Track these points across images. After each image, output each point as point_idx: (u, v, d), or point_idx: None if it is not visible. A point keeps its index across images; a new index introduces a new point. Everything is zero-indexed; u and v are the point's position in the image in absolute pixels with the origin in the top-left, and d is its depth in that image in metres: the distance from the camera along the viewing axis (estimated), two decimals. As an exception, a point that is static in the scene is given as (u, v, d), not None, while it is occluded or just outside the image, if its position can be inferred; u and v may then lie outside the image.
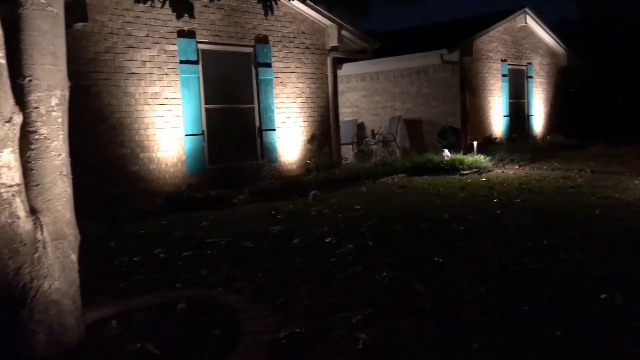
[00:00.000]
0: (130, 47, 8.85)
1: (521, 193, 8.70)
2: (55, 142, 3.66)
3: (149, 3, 6.20)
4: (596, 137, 16.30)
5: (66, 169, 3.72)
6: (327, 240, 6.06)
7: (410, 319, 3.82)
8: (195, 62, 9.67)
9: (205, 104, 9.89)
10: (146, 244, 6.30)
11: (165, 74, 9.28)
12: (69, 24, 8.00)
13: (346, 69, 16.26)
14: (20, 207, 3.36)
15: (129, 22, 8.81)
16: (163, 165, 9.28)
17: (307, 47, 11.49)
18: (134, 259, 5.69)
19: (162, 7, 5.58)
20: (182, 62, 9.47)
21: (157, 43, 9.16)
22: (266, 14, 6.43)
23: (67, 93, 3.82)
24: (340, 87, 16.94)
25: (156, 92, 9.18)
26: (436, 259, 5.19)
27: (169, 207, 8.09)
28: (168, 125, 9.34)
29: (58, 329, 3.44)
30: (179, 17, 6.10)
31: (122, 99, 8.77)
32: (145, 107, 9.06)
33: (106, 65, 8.58)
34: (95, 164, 8.45)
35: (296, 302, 4.24)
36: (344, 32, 11.79)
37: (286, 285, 4.70)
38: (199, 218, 7.54)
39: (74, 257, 3.66)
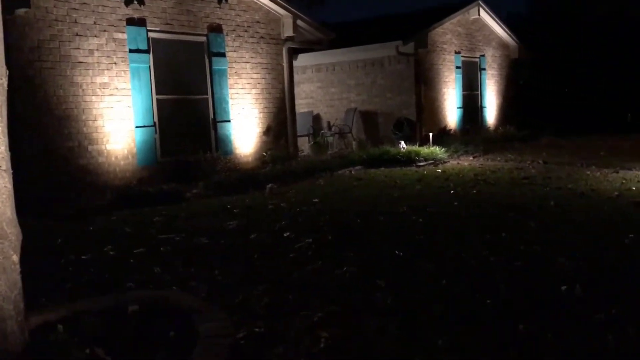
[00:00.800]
0: (77, 35, 8.45)
1: (477, 184, 8.75)
2: (-7, 135, 3.39)
3: None
4: (546, 128, 16.64)
5: (5, 164, 3.46)
6: (285, 235, 5.92)
7: (372, 317, 3.72)
8: (146, 51, 9.33)
9: (157, 94, 9.57)
10: (95, 241, 6.02)
11: (115, 63, 8.92)
12: (10, 9, 7.59)
13: (302, 60, 16.09)
14: (-45, 206, 3.10)
15: (75, 8, 8.41)
16: (113, 158, 8.94)
17: (262, 37, 11.26)
18: (82, 257, 5.42)
19: None
20: (131, 51, 9.11)
21: (105, 31, 8.78)
22: (220, 2, 6.19)
23: (5, 81, 3.55)
24: (296, 78, 16.69)
25: (105, 82, 8.81)
26: (396, 252, 5.12)
27: (119, 202, 7.78)
28: (118, 117, 8.99)
29: (-2, 337, 3.20)
30: (127, 3, 5.83)
31: (68, 90, 8.37)
32: (94, 98, 8.68)
33: (51, 54, 8.17)
34: (40, 157, 8.06)
35: (254, 301, 4.10)
36: (299, 22, 11.61)
37: (243, 283, 4.54)
38: (151, 214, 7.28)
39: (15, 257, 3.41)
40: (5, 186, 3.41)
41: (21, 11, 7.72)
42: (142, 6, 5.87)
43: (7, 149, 3.46)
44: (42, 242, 6.06)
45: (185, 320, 3.67)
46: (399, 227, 6.14)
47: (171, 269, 4.98)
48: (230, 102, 10.65)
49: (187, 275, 4.78)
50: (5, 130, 3.47)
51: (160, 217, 7.02)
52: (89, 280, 4.76)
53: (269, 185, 8.78)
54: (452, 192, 8.22)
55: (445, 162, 11.71)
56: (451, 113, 16.47)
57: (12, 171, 3.49)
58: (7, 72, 3.54)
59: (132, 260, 5.27)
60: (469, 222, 6.28)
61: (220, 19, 10.49)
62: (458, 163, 11.63)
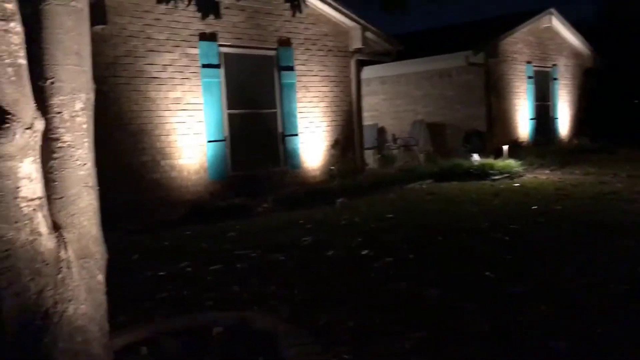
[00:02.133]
0: (151, 50, 8.56)
1: (559, 199, 8.27)
2: (80, 151, 3.30)
3: (171, 4, 5.87)
4: (621, 140, 15.78)
5: (92, 180, 3.37)
6: (363, 252, 5.69)
7: (468, 344, 3.44)
8: (217, 66, 9.36)
9: (228, 109, 9.57)
10: (171, 257, 5.96)
11: (187, 78, 8.98)
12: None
13: (366, 72, 15.80)
14: (42, 223, 3.00)
15: (149, 24, 8.52)
16: (185, 173, 8.97)
17: (330, 50, 11.14)
18: (159, 273, 5.35)
19: (187, 5, 5.25)
20: (204, 65, 9.16)
21: (178, 46, 8.86)
22: (294, 14, 6.06)
23: (92, 97, 3.47)
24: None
25: (178, 97, 8.88)
26: (485, 273, 4.80)
27: (191, 216, 7.77)
28: (190, 132, 9.03)
29: (84, 359, 3.09)
30: (204, 16, 5.77)
31: (142, 105, 8.47)
32: (167, 113, 8.75)
33: (126, 69, 8.29)
34: (114, 172, 8.13)
35: (339, 324, 3.88)
36: (367, 34, 11.44)
37: (325, 303, 4.33)
38: (224, 228, 7.20)
39: (100, 277, 3.31)
40: (91, 203, 3.32)
41: (98, 28, 7.87)
42: (218, 19, 5.80)
43: (94, 164, 3.39)
44: (118, 257, 6.02)
45: (270, 344, 3.50)
46: (483, 245, 5.80)
47: (249, 286, 4.83)
48: (298, 115, 10.56)
49: (266, 294, 4.62)
50: (92, 147, 3.39)
51: (234, 232, 6.93)
52: (167, 297, 4.67)
53: (340, 200, 8.59)
54: (533, 207, 7.78)
55: (521, 176, 11.21)
56: (523, 124, 15.87)
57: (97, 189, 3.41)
58: (95, 87, 3.47)
59: (209, 277, 5.16)
60: (557, 240, 5.88)
61: (290, 32, 10.45)
62: (535, 177, 11.11)
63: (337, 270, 5.16)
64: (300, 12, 6.03)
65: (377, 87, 16.51)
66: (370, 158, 14.72)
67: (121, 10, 8.22)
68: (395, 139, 15.41)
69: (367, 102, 16.65)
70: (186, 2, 5.32)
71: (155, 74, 8.59)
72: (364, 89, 16.62)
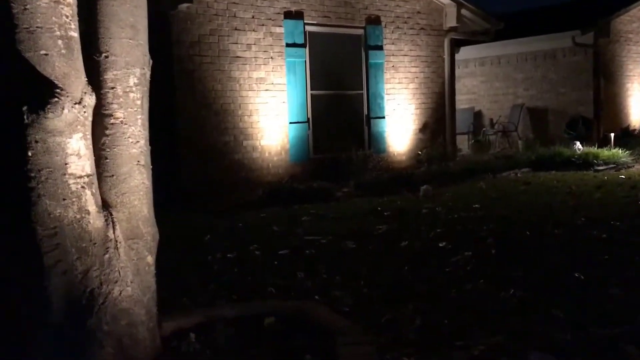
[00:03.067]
0: (236, 29, 8.48)
1: (672, 195, 7.39)
2: (133, 128, 3.17)
3: None
4: None
5: (144, 159, 3.24)
6: (440, 245, 5.29)
7: (550, 354, 3.01)
8: (302, 46, 9.15)
9: (312, 90, 9.36)
10: (242, 239, 5.85)
11: (271, 57, 8.84)
12: (174, 5, 7.76)
13: (463, 53, 15.12)
14: (90, 201, 2.89)
15: (234, 2, 8.44)
16: (266, 154, 8.88)
17: (422, 28, 10.62)
18: (228, 255, 5.25)
19: None
20: (288, 45, 8.98)
21: (262, 25, 8.73)
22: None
23: (147, 72, 3.32)
24: (457, 72, 15.72)
25: (261, 77, 8.77)
26: (576, 275, 4.27)
27: (269, 198, 7.66)
28: (272, 112, 8.91)
29: (128, 343, 2.97)
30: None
31: (226, 84, 8.43)
32: (250, 93, 8.67)
33: (210, 48, 8.26)
34: (196, 151, 8.19)
35: (404, 322, 3.55)
36: (463, 11, 10.79)
37: (391, 298, 4.01)
38: (299, 212, 7.02)
39: (150, 259, 3.19)
40: (143, 182, 3.20)
41: (184, 6, 7.87)
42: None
43: (148, 143, 3.25)
44: (192, 237, 6.04)
45: (324, 340, 3.24)
46: (577, 243, 5.22)
47: (315, 274, 4.60)
48: (386, 97, 10.16)
49: (331, 284, 4.37)
50: (146, 124, 3.25)
51: (308, 217, 6.73)
52: (232, 281, 4.54)
53: (424, 187, 8.15)
54: (640, 202, 7.00)
55: (630, 167, 10.20)
56: (635, 111, 14.54)
57: (151, 167, 3.27)
58: (151, 62, 3.32)
59: (276, 262, 4.98)
60: (667, 241, 5.18)
61: (379, 10, 10.04)
62: (645, 168, 10.09)
63: (410, 262, 4.80)
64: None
65: (475, 68, 15.71)
66: (465, 143, 14.07)
67: (207, -12, 8.19)
68: (492, 124, 14.63)
69: (464, 84, 15.93)
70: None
71: (239, 53, 8.52)
72: (461, 71, 15.92)
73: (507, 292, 4.00)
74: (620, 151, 10.75)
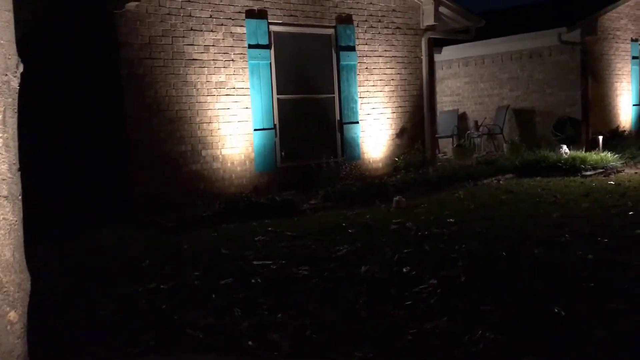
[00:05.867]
0: (192, 29, 7.82)
1: (665, 203, 6.80)
2: (-10, 150, 2.53)
3: None
4: None
5: (8, 188, 2.57)
6: (404, 270, 4.66)
7: None
8: (267, 47, 8.50)
9: (278, 94, 8.70)
10: (184, 264, 5.20)
11: (232, 60, 8.19)
12: (120, 4, 7.10)
13: (446, 53, 14.56)
14: None
15: (189, 1, 7.78)
16: (229, 164, 8.22)
17: (397, 27, 9.99)
18: (162, 286, 4.59)
19: None
20: (251, 46, 8.33)
21: (222, 25, 8.07)
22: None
23: (14, 79, 2.65)
24: (440, 73, 15.25)
25: (221, 81, 8.11)
26: (556, 310, 3.64)
27: (228, 213, 7.00)
28: (235, 119, 8.25)
29: None
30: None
31: (181, 89, 7.77)
32: (209, 98, 8.01)
33: (163, 50, 7.60)
34: (149, 162, 7.52)
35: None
36: (442, 9, 10.17)
37: (339, 341, 3.39)
38: (256, 230, 6.36)
39: (13, 315, 2.54)
40: (4, 218, 2.54)
41: (132, 5, 7.21)
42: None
43: (15, 167, 2.58)
44: (129, 261, 5.39)
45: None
46: (559, 267, 4.60)
47: (255, 310, 3.96)
48: (359, 101, 9.52)
49: (271, 323, 3.73)
50: (13, 143, 2.58)
51: (264, 236, 6.06)
52: (157, 321, 3.89)
53: (396, 198, 7.52)
54: (630, 213, 6.39)
55: (619, 172, 9.61)
56: (625, 111, 13.97)
57: (20, 199, 2.61)
58: (21, 67, 2.65)
59: (214, 295, 4.33)
60: (660, 262, 4.57)
61: (351, 8, 9.40)
62: (636, 173, 9.49)
63: (366, 293, 4.17)
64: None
65: (458, 69, 15.11)
66: (449, 147, 13.46)
67: (158, -15, 7.53)
68: (477, 126, 14.01)
69: (448, 85, 15.33)
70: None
71: (196, 56, 7.86)
72: (445, 72, 15.32)
73: (473, 334, 3.38)
74: (609, 155, 10.17)
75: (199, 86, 7.90)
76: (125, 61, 7.25)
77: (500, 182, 9.22)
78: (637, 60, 14.13)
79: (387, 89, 9.92)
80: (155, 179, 7.55)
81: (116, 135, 7.43)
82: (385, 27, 9.84)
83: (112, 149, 7.61)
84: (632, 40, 14.02)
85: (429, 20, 10.13)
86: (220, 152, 8.13)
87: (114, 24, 7.15)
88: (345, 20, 9.33)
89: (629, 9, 13.91)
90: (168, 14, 7.61)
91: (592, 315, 3.57)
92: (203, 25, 7.91)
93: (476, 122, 14.25)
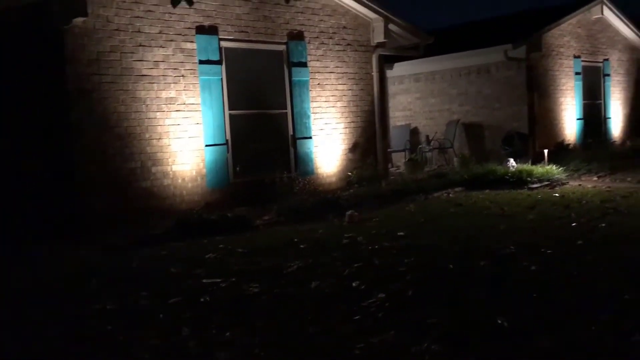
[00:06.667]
0: (141, 45, 7.75)
1: (606, 214, 7.04)
2: None
3: None
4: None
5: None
6: (354, 284, 4.69)
7: None
8: (218, 62, 8.49)
9: (230, 109, 8.69)
10: (132, 284, 5.10)
11: (182, 76, 8.14)
12: (67, 19, 6.99)
13: (398, 69, 14.84)
14: None
15: (138, 17, 7.72)
16: (179, 181, 8.14)
17: (349, 44, 10.14)
18: (108, 307, 4.49)
19: None
20: (202, 62, 8.31)
21: (172, 41, 8.03)
22: (287, 1, 5.10)
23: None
24: (392, 89, 15.51)
25: (171, 97, 8.05)
26: (500, 321, 3.72)
27: (178, 231, 6.91)
28: (185, 135, 8.19)
29: None
30: (174, 3, 4.91)
31: (130, 105, 7.67)
32: (159, 114, 7.93)
33: (111, 66, 7.50)
34: (97, 180, 7.38)
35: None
36: (391, 26, 10.37)
37: (285, 358, 3.38)
38: (206, 247, 6.30)
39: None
40: None
41: (79, 20, 7.11)
42: (190, 6, 4.95)
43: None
44: (75, 282, 5.26)
45: None
46: (504, 278, 4.71)
47: (203, 330, 3.92)
48: (312, 116, 9.60)
49: (219, 342, 3.70)
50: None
51: (215, 253, 6.01)
52: (102, 343, 3.81)
53: (349, 213, 7.58)
54: (574, 224, 6.60)
55: (564, 184, 9.92)
56: (570, 125, 14.48)
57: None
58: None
59: (161, 315, 4.26)
60: (599, 271, 4.73)
61: (302, 25, 9.49)
62: (579, 185, 9.81)
63: (316, 309, 4.18)
64: (295, -2, 5.09)
65: (409, 84, 15.39)
66: (402, 161, 13.66)
67: (106, 1, 7.44)
68: (428, 141, 14.28)
69: (400, 101, 15.58)
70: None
71: (145, 72, 7.78)
72: (397, 87, 15.57)
73: (419, 346, 3.42)
74: (554, 167, 10.49)
75: (148, 102, 7.82)
76: (72, 77, 7.13)
77: (450, 195, 9.40)
78: (580, 76, 14.69)
79: (339, 104, 10.02)
80: (103, 197, 7.42)
81: (63, 151, 7.27)
82: (337, 44, 9.96)
83: (59, 166, 7.44)
84: (574, 56, 14.58)
85: (379, 37, 10.31)
86: (171, 168, 8.05)
87: (61, 39, 7.03)
88: (297, 36, 9.41)
89: (572, 26, 14.47)
90: (116, 29, 7.53)
91: (535, 326, 3.66)
92: (152, 41, 7.85)
93: (427, 136, 14.52)
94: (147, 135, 7.81)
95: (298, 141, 9.44)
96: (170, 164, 8.03)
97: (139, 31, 7.71)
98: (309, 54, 9.56)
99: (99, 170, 7.41)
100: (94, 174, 7.38)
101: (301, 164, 9.44)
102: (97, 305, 4.53)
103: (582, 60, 14.78)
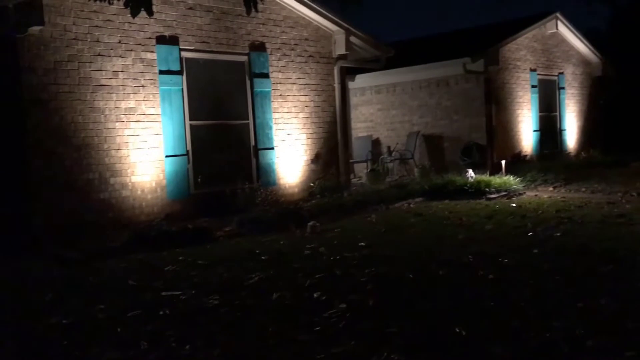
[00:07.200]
0: (100, 55, 7.65)
1: (561, 224, 7.23)
2: None
3: (119, 4, 4.98)
4: (636, 152, 14.67)
5: None
6: (315, 295, 4.69)
7: None
8: (179, 73, 8.43)
9: (191, 120, 8.63)
10: (90, 297, 5.01)
11: (142, 86, 8.06)
12: (23, 28, 6.85)
13: (360, 81, 14.98)
14: None
15: (97, 26, 7.62)
16: (139, 192, 8.02)
17: (310, 56, 10.20)
18: (64, 321, 4.39)
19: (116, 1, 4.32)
20: (162, 72, 8.24)
21: (131, 50, 7.95)
22: (248, 13, 5.14)
23: None
24: (354, 100, 15.65)
25: (131, 107, 7.95)
26: (457, 330, 3.79)
27: (137, 243, 6.80)
28: (145, 145, 8.10)
29: None
30: (134, 13, 4.88)
31: (88, 116, 7.55)
32: (118, 125, 7.82)
33: (69, 76, 7.38)
34: (54, 191, 7.23)
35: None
36: (352, 39, 10.49)
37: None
38: (166, 259, 6.22)
39: None
40: None
41: (35, 29, 6.97)
42: (150, 16, 4.92)
43: None
44: (29, 296, 5.13)
45: None
46: (462, 287, 4.79)
47: (162, 342, 3.86)
48: (274, 127, 9.60)
49: (179, 354, 3.65)
50: None
51: (174, 265, 5.95)
52: (56, 358, 3.72)
53: (311, 224, 7.59)
54: (530, 234, 6.77)
55: (521, 194, 10.16)
56: (526, 137, 14.84)
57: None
58: None
59: (119, 329, 4.18)
60: (553, 279, 4.85)
61: (264, 36, 9.52)
62: (536, 195, 10.06)
63: (276, 321, 4.17)
64: (256, 10, 5.14)
65: (371, 96, 15.56)
66: (364, 172, 13.75)
67: (64, 10, 7.32)
68: (390, 152, 14.43)
69: (362, 112, 15.73)
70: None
71: (104, 82, 7.68)
72: (358, 99, 15.72)
73: (380, 355, 3.45)
74: (511, 178, 10.73)
75: (107, 112, 7.71)
76: (28, 86, 6.98)
77: (411, 205, 9.52)
78: (536, 89, 15.09)
79: (301, 115, 10.06)
80: (60, 209, 7.26)
81: (19, 162, 7.10)
82: (299, 55, 10.01)
83: (14, 177, 7.25)
84: (531, 70, 14.98)
85: (340, 49, 10.41)
86: (130, 179, 7.94)
87: (17, 48, 6.88)
88: (259, 47, 9.42)
89: (528, 40, 14.88)
90: (74, 38, 7.41)
91: (491, 334, 3.73)
92: (112, 50, 7.75)
93: (389, 147, 14.68)
94: (105, 146, 7.69)
95: (260, 152, 9.42)
96: (129, 175, 7.91)
97: (97, 40, 7.61)
98: (271, 65, 9.59)
99: (56, 182, 7.25)
100: (50, 186, 7.22)
101: (263, 175, 9.43)
102: (53, 319, 4.43)
103: (538, 74, 15.20)
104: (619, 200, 8.93)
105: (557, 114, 16.08)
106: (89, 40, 7.53)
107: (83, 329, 4.25)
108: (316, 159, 10.27)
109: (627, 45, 20.04)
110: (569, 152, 16.05)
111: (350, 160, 12.40)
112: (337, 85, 10.55)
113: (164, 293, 4.96)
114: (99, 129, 7.63)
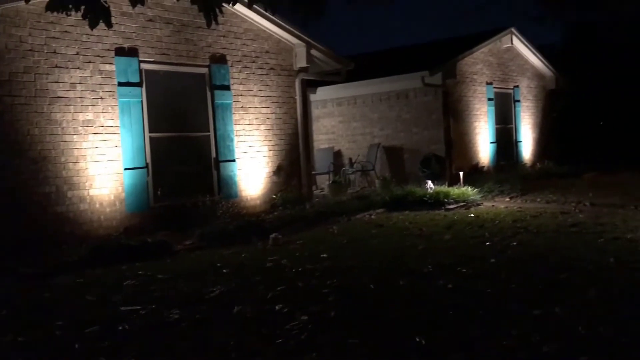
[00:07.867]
0: (56, 66, 7.52)
1: (517, 233, 7.43)
2: None
3: (77, 15, 4.91)
4: (588, 163, 15.16)
5: None
6: (277, 307, 4.70)
7: None
8: (138, 85, 8.35)
9: (150, 132, 8.54)
10: (46, 313, 4.90)
11: (101, 98, 7.95)
12: (-24, 38, 6.68)
13: (321, 93, 15.08)
14: None
15: (54, 37, 7.50)
16: (97, 205, 7.89)
17: (272, 68, 10.24)
18: (19, 338, 4.28)
19: (76, 13, 4.26)
20: (121, 84, 8.14)
21: (89, 62, 7.84)
22: (209, 25, 5.14)
23: None
24: (316, 112, 15.73)
25: (89, 119, 7.83)
26: (417, 339, 3.85)
27: (95, 257, 6.67)
28: (104, 158, 7.98)
29: None
30: (92, 25, 4.82)
31: (45, 128, 7.40)
32: (75, 137, 7.69)
33: (25, 88, 7.23)
34: (9, 205, 7.05)
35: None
36: (313, 52, 10.57)
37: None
38: (125, 274, 6.13)
39: None
40: None
41: (-11, 40, 6.83)
42: (110, 28, 4.87)
43: None
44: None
45: None
46: (422, 296, 4.87)
47: (121, 358, 3.81)
48: (236, 139, 9.58)
49: (137, 372, 3.61)
50: None
51: (134, 280, 5.86)
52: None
53: (273, 236, 7.60)
54: (487, 243, 6.92)
55: (479, 205, 10.38)
56: (484, 148, 15.16)
57: None
58: None
59: (77, 345, 4.10)
60: (510, 288, 4.98)
61: (225, 48, 9.51)
62: (493, 205, 10.29)
63: (237, 334, 4.15)
64: (217, 23, 5.15)
65: (332, 108, 15.66)
66: (326, 183, 13.81)
67: (19, 20, 7.18)
68: (351, 163, 14.53)
69: (323, 124, 15.81)
70: (74, 10, 4.37)
71: (61, 93, 7.54)
72: (320, 111, 15.81)
73: (340, 368, 3.48)
74: (469, 189, 10.95)
75: (64, 125, 7.58)
76: (-19, 98, 6.81)
77: (372, 216, 9.62)
78: (492, 102, 15.45)
79: (263, 127, 10.07)
80: (15, 223, 7.08)
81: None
82: (260, 68, 10.04)
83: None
84: (487, 83, 15.34)
85: (301, 62, 10.48)
86: (88, 192, 7.80)
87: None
88: (219, 60, 9.41)
89: (484, 55, 15.25)
90: (30, 50, 7.28)
91: (450, 342, 3.80)
92: (69, 62, 7.63)
93: (350, 159, 14.77)
94: (62, 159, 7.54)
95: (221, 164, 9.38)
96: (87, 188, 7.78)
97: (54, 52, 7.48)
98: (232, 77, 9.58)
99: (11, 195, 7.08)
100: (4, 199, 7.04)
101: (224, 187, 9.38)
102: (7, 337, 4.31)
103: (494, 87, 15.57)
104: (572, 210, 9.21)
105: (513, 126, 16.48)
106: (45, 51, 7.40)
107: (40, 346, 4.16)
108: (278, 171, 10.29)
109: (578, 60, 20.73)
110: (525, 163, 16.45)
111: (312, 172, 12.46)
112: (298, 98, 10.61)
113: (123, 308, 4.89)
114: (56, 142, 7.49)
